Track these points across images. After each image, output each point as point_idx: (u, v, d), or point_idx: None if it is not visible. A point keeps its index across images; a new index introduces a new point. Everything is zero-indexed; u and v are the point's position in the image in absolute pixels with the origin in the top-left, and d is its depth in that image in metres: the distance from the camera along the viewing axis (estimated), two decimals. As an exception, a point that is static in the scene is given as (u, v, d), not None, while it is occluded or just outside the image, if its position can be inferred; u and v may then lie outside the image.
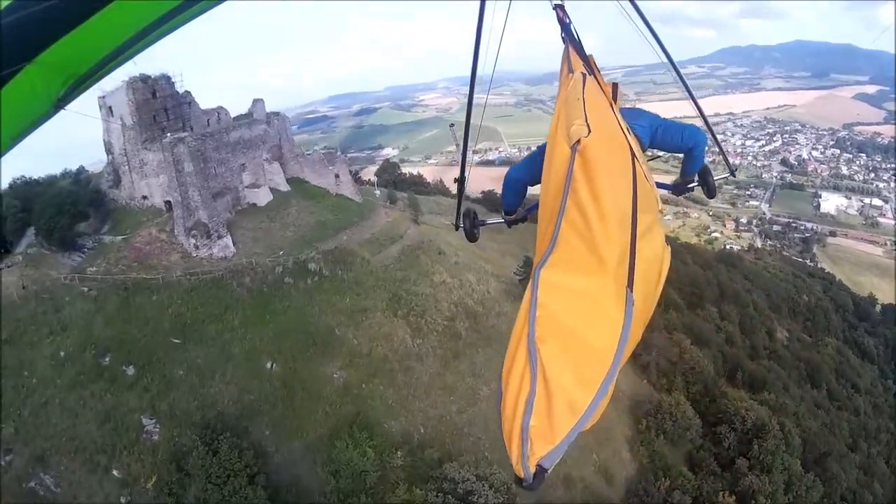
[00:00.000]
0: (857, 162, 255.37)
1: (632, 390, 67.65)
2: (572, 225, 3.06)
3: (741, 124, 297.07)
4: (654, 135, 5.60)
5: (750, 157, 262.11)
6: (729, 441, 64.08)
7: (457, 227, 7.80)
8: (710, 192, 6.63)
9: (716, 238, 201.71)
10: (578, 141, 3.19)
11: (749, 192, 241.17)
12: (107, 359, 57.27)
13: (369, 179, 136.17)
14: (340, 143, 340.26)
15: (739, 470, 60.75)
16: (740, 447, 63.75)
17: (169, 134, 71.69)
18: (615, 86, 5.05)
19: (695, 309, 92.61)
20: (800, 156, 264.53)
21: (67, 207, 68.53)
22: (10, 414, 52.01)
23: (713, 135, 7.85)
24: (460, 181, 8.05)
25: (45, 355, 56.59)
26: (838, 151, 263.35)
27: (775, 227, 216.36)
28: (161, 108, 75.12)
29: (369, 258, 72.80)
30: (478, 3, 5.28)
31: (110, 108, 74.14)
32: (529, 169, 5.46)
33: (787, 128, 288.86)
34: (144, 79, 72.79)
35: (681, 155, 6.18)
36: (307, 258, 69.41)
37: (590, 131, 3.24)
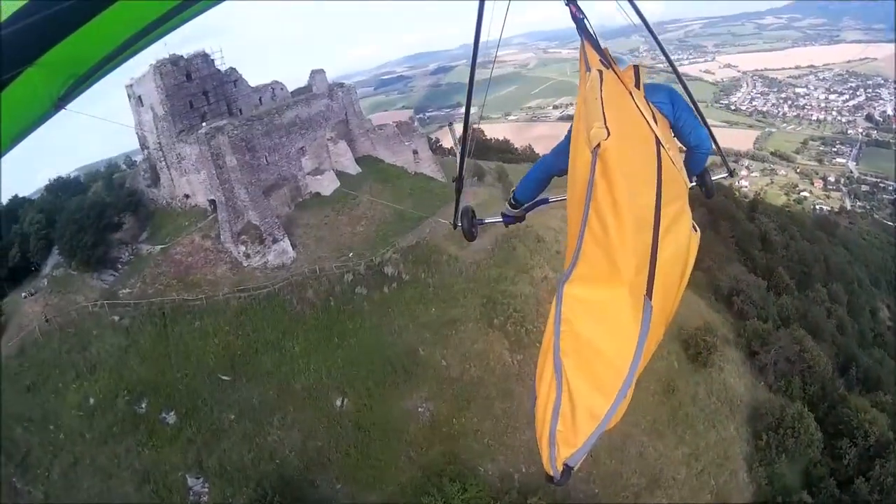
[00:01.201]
0: None
1: (750, 395, 54.05)
2: (594, 235, 2.97)
3: (823, 77, 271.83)
4: (675, 115, 4.73)
5: (834, 112, 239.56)
6: (849, 458, 52.23)
7: (455, 227, 6.90)
8: (709, 192, 5.92)
9: (805, 198, 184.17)
10: (598, 145, 3.06)
11: (836, 150, 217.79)
12: (143, 405, 47.37)
13: (451, 149, 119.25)
14: (418, 102, 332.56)
15: (858, 493, 49.46)
16: (860, 464, 51.90)
17: (205, 124, 57.99)
18: (636, 69, 4.40)
19: (804, 290, 77.33)
20: (884, 112, 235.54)
21: (91, 223, 55.81)
22: (37, 476, 44.54)
23: (712, 135, 5.72)
24: (458, 180, 6.60)
25: (72, 404, 47.35)
26: None
27: (864, 188, 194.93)
28: (199, 91, 61.32)
29: (457, 254, 57.54)
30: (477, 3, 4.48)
31: (139, 97, 61.26)
32: (556, 161, 5.27)
33: (870, 82, 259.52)
34: (175, 60, 59.13)
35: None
36: (383, 260, 55.18)
37: (609, 133, 3.09)
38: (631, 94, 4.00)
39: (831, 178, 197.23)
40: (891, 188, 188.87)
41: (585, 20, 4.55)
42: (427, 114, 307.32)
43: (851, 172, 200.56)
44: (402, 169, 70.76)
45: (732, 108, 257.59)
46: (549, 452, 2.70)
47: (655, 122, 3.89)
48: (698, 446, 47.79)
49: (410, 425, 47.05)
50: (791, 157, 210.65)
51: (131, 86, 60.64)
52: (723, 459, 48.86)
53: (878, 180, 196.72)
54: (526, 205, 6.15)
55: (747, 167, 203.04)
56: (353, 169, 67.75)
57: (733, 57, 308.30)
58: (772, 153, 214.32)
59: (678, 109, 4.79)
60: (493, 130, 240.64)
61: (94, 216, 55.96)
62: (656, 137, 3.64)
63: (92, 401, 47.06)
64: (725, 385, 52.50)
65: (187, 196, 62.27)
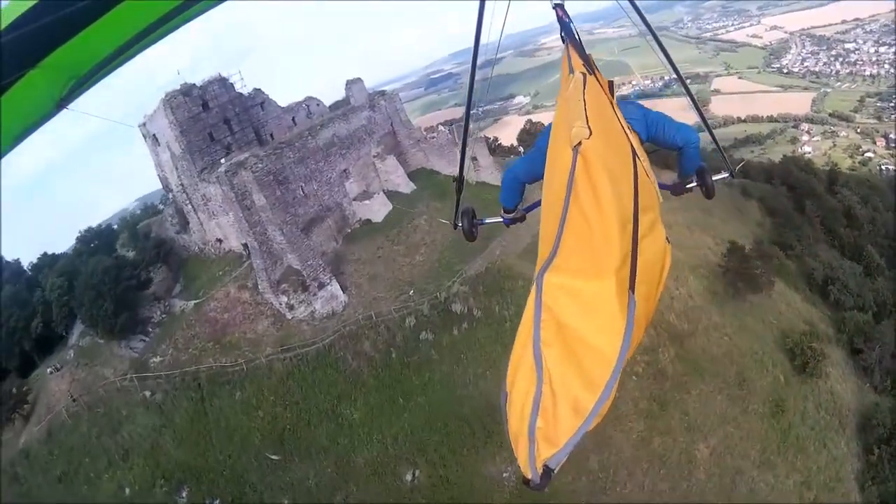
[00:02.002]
0: None
1: (857, 402, 46.73)
2: (575, 229, 2.75)
3: (870, 30, 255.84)
4: (648, 129, 4.98)
5: (886, 66, 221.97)
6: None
7: (455, 227, 6.76)
8: (709, 192, 5.39)
9: (869, 158, 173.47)
10: (580, 143, 2.92)
11: (893, 104, 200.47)
12: (183, 494, 40.93)
13: (511, 146, 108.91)
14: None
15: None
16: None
17: (224, 161, 49.81)
18: (610, 83, 4.47)
19: (894, 267, 68.79)
20: None
21: (108, 289, 47.82)
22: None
23: (712, 134, 6.83)
24: (459, 180, 6.88)
25: (107, 494, 41.17)
26: None
27: None
28: (218, 120, 52.80)
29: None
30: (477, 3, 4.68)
31: (154, 135, 53.45)
32: (529, 168, 5.20)
33: None
34: (187, 90, 50.95)
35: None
36: (449, 296, 46.34)
37: (591, 133, 2.98)
38: (611, 102, 4.00)
39: (893, 135, 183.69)
40: None
41: (572, 24, 4.66)
42: (481, 108, 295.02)
43: None
44: (470, 180, 60.36)
45: (785, 71, 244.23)
46: (528, 451, 2.40)
47: (631, 132, 3.90)
48: (810, 471, 41.14)
49: (495, 495, 39.18)
50: (850, 116, 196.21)
51: (144, 124, 52.95)
52: (835, 482, 41.82)
53: None
54: (518, 208, 6.10)
55: (808, 132, 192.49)
56: (406, 187, 58.52)
57: (778, 18, 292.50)
58: (830, 114, 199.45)
59: (652, 120, 4.90)
60: (549, 118, 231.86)
61: (110, 281, 48.12)
62: (632, 147, 3.49)
63: (128, 491, 40.88)
64: (833, 394, 45.61)
65: (220, 240, 54.27)
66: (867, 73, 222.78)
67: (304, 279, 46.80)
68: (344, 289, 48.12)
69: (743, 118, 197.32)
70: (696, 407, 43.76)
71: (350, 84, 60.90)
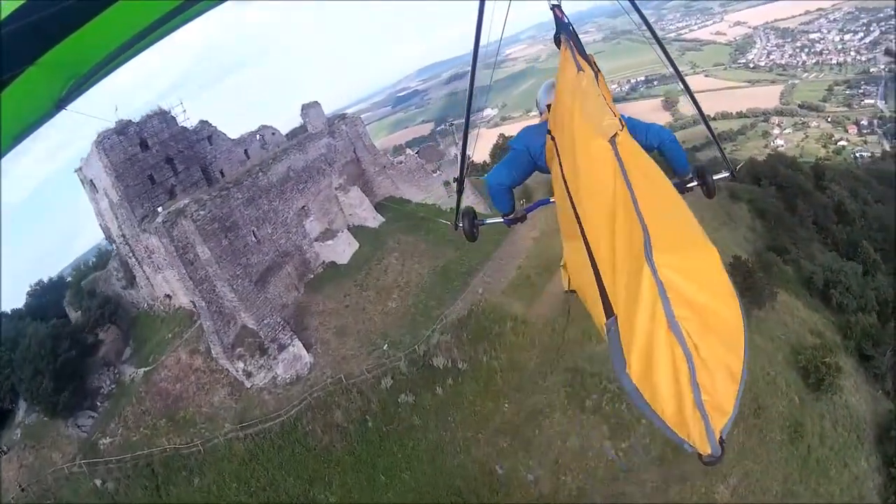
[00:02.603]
0: None
1: (872, 412, 43.37)
2: (650, 209, 2.79)
3: (833, 19, 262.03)
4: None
5: (852, 53, 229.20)
6: None
7: (456, 227, 6.81)
8: (709, 192, 5.63)
9: (843, 147, 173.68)
10: (616, 134, 3.11)
11: (862, 91, 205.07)
12: None
13: (485, 163, 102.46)
14: (437, 114, 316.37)
15: None
16: None
17: (161, 209, 42.63)
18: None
19: (889, 261, 65.73)
20: None
21: (45, 364, 41.03)
22: None
23: (712, 134, 6.83)
24: (459, 181, 6.90)
25: None
26: None
27: None
28: (160, 160, 45.61)
29: (524, 316, 42.73)
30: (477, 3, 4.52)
31: (91, 181, 46.37)
32: (510, 172, 5.46)
33: (881, 14, 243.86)
34: (121, 129, 43.42)
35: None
36: (429, 348, 40.12)
37: (623, 125, 3.18)
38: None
39: (864, 122, 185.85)
40: None
41: (571, 26, 4.57)
42: (448, 124, 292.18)
43: (882, 112, 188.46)
44: (435, 207, 54.32)
45: (751, 66, 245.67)
46: (704, 426, 2.35)
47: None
48: (833, 496, 37.53)
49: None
50: (819, 106, 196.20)
51: (80, 169, 46.05)
52: (857, 501, 38.32)
53: None
54: (517, 209, 6.13)
55: (779, 124, 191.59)
56: (373, 220, 52.02)
57: (741, 14, 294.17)
58: (799, 106, 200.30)
59: (629, 124, 4.71)
60: (518, 129, 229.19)
61: (47, 354, 41.06)
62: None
63: None
64: (848, 408, 41.99)
65: (168, 296, 47.21)
66: (834, 61, 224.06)
67: (261, 341, 40.11)
68: (308, 347, 41.36)
69: (712, 116, 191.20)
70: (729, 453, 36.85)
71: (306, 109, 54.24)
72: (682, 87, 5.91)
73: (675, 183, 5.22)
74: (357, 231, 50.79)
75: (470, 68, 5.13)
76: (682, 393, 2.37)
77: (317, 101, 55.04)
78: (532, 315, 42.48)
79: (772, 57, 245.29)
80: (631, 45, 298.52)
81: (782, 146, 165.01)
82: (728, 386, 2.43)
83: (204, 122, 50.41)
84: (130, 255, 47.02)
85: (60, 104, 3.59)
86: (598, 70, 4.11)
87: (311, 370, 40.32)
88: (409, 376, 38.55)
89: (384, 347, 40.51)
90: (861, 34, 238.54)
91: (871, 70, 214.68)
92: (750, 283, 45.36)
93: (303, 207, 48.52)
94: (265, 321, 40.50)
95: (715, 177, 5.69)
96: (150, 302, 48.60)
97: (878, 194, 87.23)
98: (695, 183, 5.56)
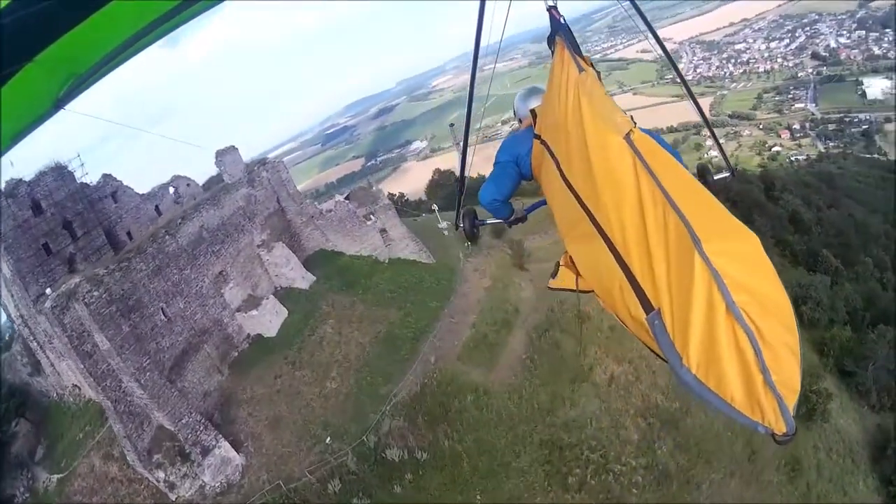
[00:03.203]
0: (886, 39, 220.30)
1: (862, 430, 43.03)
2: (683, 200, 2.75)
3: (758, 28, 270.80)
4: None
5: (779, 60, 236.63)
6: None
7: (456, 228, 6.60)
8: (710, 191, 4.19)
9: (778, 153, 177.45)
10: (631, 130, 3.08)
11: (791, 96, 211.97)
12: None
13: (421, 200, 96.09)
14: (367, 149, 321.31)
15: None
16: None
17: (49, 291, 34.60)
18: None
19: (850, 265, 66.80)
20: (828, 45, 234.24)
21: None
22: None
23: (713, 134, 7.07)
24: (460, 181, 6.65)
25: None
26: (864, 32, 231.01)
27: (830, 127, 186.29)
28: (56, 224, 37.86)
29: (486, 384, 37.37)
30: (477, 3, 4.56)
31: None
32: (500, 186, 5.23)
33: (805, 20, 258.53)
34: (10, 191, 36.17)
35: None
36: (380, 438, 33.84)
37: (635, 122, 3.19)
38: None
39: (796, 126, 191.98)
40: (856, 120, 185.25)
41: (568, 26, 4.40)
42: (378, 158, 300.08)
43: (813, 115, 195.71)
44: (372, 259, 47.88)
45: (679, 80, 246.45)
46: (778, 405, 2.33)
47: None
48: None
49: None
50: (750, 115, 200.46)
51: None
52: None
53: (842, 115, 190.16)
54: (517, 210, 5.85)
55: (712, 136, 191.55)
56: (303, 280, 44.92)
57: (666, 30, 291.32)
58: (730, 116, 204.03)
59: None
60: (449, 160, 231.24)
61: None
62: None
63: None
64: (840, 432, 41.59)
65: (76, 386, 39.34)
66: (761, 69, 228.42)
67: (180, 446, 32.81)
68: (238, 445, 33.88)
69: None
70: (711, 502, 36.22)
71: (221, 155, 46.83)
72: (683, 88, 6.24)
73: None
74: (285, 294, 43.86)
75: (470, 67, 5.19)
76: (751, 375, 2.35)
77: (233, 146, 47.98)
78: (494, 383, 37.09)
79: (699, 70, 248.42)
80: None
81: (716, 157, 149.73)
82: (792, 363, 2.42)
83: (107, 177, 43.33)
84: (31, 338, 39.56)
85: (59, 103, 3.49)
86: (598, 71, 3.95)
87: (244, 475, 33.00)
88: (360, 475, 31.75)
89: (327, 440, 33.55)
90: (787, 41, 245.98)
91: (799, 75, 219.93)
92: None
93: (220, 273, 41.26)
94: (183, 421, 33.20)
95: (715, 177, 5.79)
96: (60, 391, 40.82)
97: (829, 199, 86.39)
98: None
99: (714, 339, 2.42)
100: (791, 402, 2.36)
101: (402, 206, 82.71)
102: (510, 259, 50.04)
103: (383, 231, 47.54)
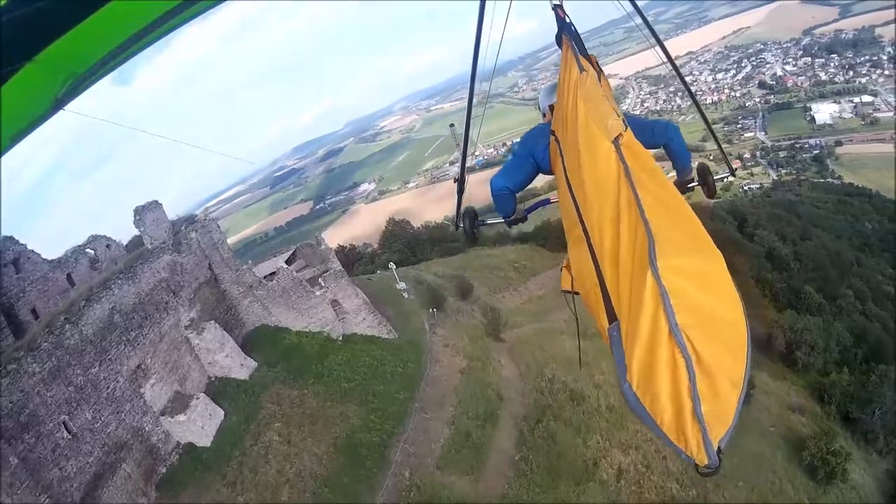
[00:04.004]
0: (832, 64, 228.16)
1: (874, 481, 40.40)
2: (655, 212, 2.78)
3: (704, 60, 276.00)
4: (633, 129, 3.85)
5: (726, 90, 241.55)
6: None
7: (457, 228, 6.93)
8: (710, 191, 5.95)
9: (731, 182, 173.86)
10: (620, 135, 3.12)
11: (740, 125, 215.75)
12: None
13: (388, 264, 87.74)
14: (315, 191, 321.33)
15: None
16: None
17: None
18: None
19: (833, 300, 64.79)
20: (774, 73, 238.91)
21: None
22: None
23: (713, 133, 7.80)
24: (460, 181, 7.00)
25: None
26: (810, 59, 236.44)
27: (781, 154, 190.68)
28: None
29: (474, 495, 30.52)
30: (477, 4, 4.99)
31: None
32: (513, 176, 5.32)
33: (750, 50, 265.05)
34: None
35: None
36: None
37: (626, 126, 3.20)
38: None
39: (747, 155, 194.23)
40: (807, 145, 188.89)
41: (573, 25, 4.63)
42: (327, 201, 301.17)
43: (763, 143, 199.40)
44: (323, 337, 40.03)
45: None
46: (702, 437, 2.32)
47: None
48: None
49: None
50: (700, 146, 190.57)
51: None
52: None
53: (793, 141, 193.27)
54: (518, 209, 5.89)
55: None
56: (241, 368, 36.61)
57: (612, 66, 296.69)
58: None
59: (633, 122, 4.44)
60: (398, 202, 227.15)
61: None
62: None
63: None
64: (855, 488, 38.87)
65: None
66: (709, 101, 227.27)
67: None
68: None
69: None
70: None
71: (141, 213, 38.64)
72: (686, 92, 6.97)
73: (675, 182, 5.31)
74: (221, 387, 35.44)
75: (470, 67, 5.54)
76: (681, 402, 2.33)
77: (156, 202, 40.01)
78: (485, 493, 30.30)
79: (646, 105, 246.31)
80: (504, 107, 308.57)
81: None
82: (731, 394, 2.40)
83: (8, 240, 34.26)
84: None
85: (58, 104, 3.49)
86: (601, 70, 4.40)
87: None
88: None
89: None
90: (733, 71, 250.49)
91: (747, 104, 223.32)
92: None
93: (138, 367, 32.51)
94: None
95: (715, 177, 6.00)
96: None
97: (800, 229, 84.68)
98: (695, 183, 5.71)
99: (654, 359, 2.37)
100: (718, 434, 2.31)
101: (353, 258, 75.89)
102: (483, 328, 43.03)
103: (335, 303, 40.09)
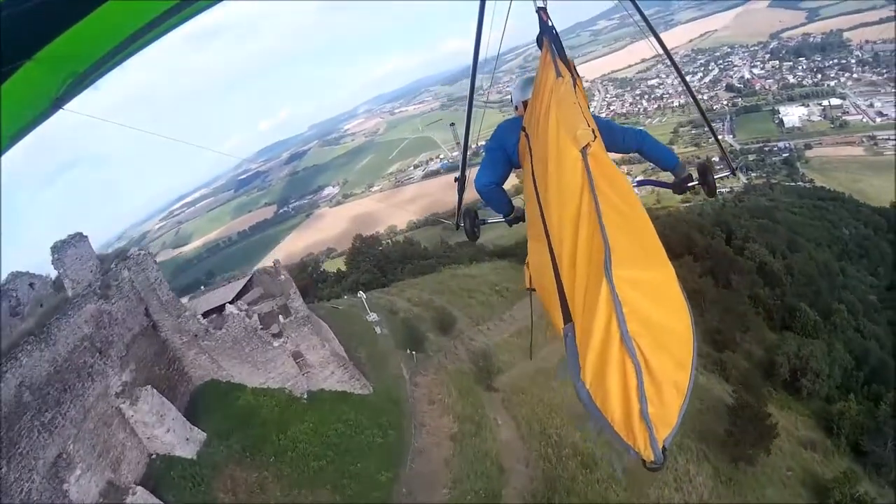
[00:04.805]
0: (800, 67, 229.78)
1: None
2: (614, 223, 2.83)
3: (670, 63, 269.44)
4: (604, 136, 4.18)
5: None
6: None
7: (457, 227, 7.09)
8: (710, 191, 5.99)
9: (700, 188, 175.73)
10: (588, 145, 3.10)
11: (707, 129, 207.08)
12: None
13: (340, 271, 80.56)
14: (279, 195, 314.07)
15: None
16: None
17: None
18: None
19: (828, 318, 61.21)
20: (742, 77, 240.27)
21: None
22: None
23: (713, 132, 7.82)
24: (460, 180, 6.96)
25: None
26: (777, 62, 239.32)
27: (751, 157, 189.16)
28: None
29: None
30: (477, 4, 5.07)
31: None
32: (493, 170, 5.35)
33: (717, 53, 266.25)
34: None
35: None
36: None
37: (595, 136, 3.17)
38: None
39: (715, 159, 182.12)
40: (776, 148, 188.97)
41: (554, 29, 4.53)
42: (291, 205, 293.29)
43: (732, 146, 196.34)
44: (285, 396, 32.86)
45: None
46: (647, 436, 2.41)
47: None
48: None
49: None
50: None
51: None
52: None
53: (762, 144, 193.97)
54: (518, 208, 5.81)
55: (628, 173, 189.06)
56: (186, 445, 29.18)
57: (578, 69, 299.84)
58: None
59: (604, 126, 4.69)
60: (362, 206, 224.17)
61: None
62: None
63: None
64: None
65: None
66: (675, 104, 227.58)
67: None
68: None
69: None
70: None
71: (60, 251, 30.82)
72: (685, 88, 6.80)
73: (675, 181, 5.75)
74: (164, 469, 28.05)
75: (471, 68, 5.49)
76: (630, 403, 2.41)
77: (80, 234, 32.23)
78: None
79: (612, 108, 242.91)
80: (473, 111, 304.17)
81: (639, 195, 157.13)
82: (674, 400, 2.47)
83: None
84: None
85: (58, 103, 3.42)
86: (578, 76, 4.22)
87: None
88: None
89: None
90: (700, 74, 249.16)
91: (715, 107, 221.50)
92: (757, 417, 36.97)
93: (59, 457, 24.93)
94: None
95: (716, 176, 5.95)
96: None
97: (786, 240, 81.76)
98: (696, 182, 5.64)
99: (606, 362, 2.45)
100: (662, 434, 2.38)
101: (317, 277, 69.75)
102: (472, 374, 36.72)
103: (297, 355, 33.32)
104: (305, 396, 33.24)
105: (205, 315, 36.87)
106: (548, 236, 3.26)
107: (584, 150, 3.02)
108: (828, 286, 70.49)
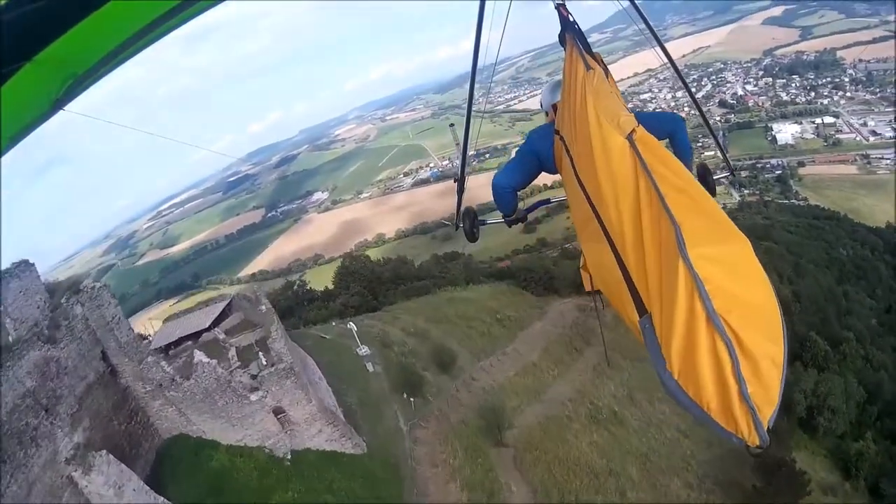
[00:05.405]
0: (793, 85, 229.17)
1: None
2: (678, 203, 2.73)
3: (663, 77, 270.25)
4: (641, 121, 3.81)
5: (686, 108, 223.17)
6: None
7: (456, 228, 6.95)
8: (710, 191, 5.69)
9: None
10: (633, 130, 3.06)
11: (700, 144, 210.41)
12: None
13: (328, 290, 74.97)
14: (268, 199, 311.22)
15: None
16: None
17: None
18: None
19: (837, 347, 57.24)
20: (735, 93, 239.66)
21: None
22: None
23: (712, 133, 7.45)
24: (460, 181, 7.01)
25: None
26: (771, 79, 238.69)
27: (743, 174, 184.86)
28: None
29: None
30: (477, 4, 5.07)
31: None
32: (516, 175, 5.22)
33: (710, 69, 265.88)
34: None
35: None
36: None
37: (638, 122, 3.13)
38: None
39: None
40: (769, 165, 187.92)
41: (576, 24, 4.51)
42: (279, 209, 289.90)
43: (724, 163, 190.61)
44: (265, 457, 27.87)
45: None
46: (751, 418, 2.30)
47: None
48: None
49: None
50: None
51: None
52: None
53: (754, 161, 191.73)
54: (518, 209, 5.83)
55: None
56: None
57: None
58: None
59: (638, 116, 4.01)
60: (351, 212, 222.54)
61: None
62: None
63: None
64: None
65: None
66: None
67: None
68: None
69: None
70: None
71: (2, 282, 25.72)
72: (683, 86, 6.68)
73: None
74: None
75: (470, 68, 5.43)
76: (727, 386, 2.31)
77: (26, 262, 27.28)
78: None
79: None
80: (460, 119, 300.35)
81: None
82: (773, 375, 2.36)
83: None
84: None
85: (58, 104, 3.30)
86: (607, 67, 4.17)
87: None
88: None
89: None
90: (693, 89, 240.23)
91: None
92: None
93: None
94: None
95: (715, 176, 5.94)
96: None
97: (792, 264, 78.21)
98: None
99: (694, 346, 2.36)
100: (767, 414, 2.29)
101: (304, 297, 65.22)
102: (478, 427, 32.25)
103: (278, 411, 28.49)
104: (289, 457, 28.34)
105: (179, 342, 33.30)
106: (605, 230, 3.07)
107: (630, 137, 2.95)
108: (835, 312, 67.29)
